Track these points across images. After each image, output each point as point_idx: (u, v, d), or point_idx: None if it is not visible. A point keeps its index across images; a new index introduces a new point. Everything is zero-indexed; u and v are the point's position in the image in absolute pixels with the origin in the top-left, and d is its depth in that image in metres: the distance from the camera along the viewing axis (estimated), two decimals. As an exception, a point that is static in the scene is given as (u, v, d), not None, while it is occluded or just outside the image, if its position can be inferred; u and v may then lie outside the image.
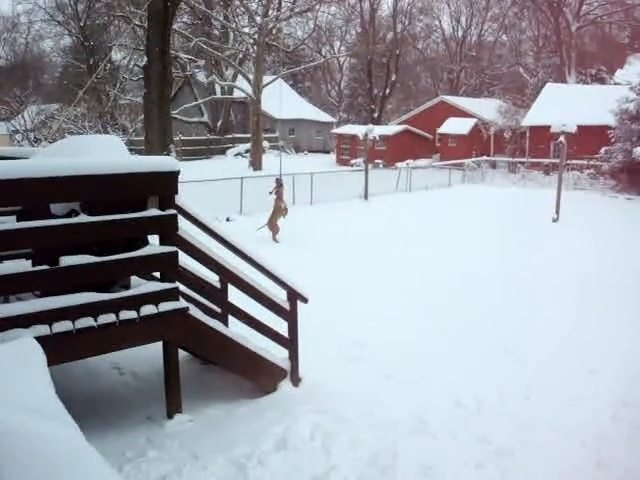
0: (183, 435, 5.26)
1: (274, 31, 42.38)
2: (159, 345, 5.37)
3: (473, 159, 36.72)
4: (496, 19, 63.19)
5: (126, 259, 4.91)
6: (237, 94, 44.86)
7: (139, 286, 5.15)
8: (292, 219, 16.32)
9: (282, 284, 6.32)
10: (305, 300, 6.48)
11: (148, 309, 4.99)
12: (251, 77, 37.98)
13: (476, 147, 41.06)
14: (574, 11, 50.14)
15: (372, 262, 13.02)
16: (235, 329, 6.08)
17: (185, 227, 5.47)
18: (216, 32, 47.06)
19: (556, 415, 6.04)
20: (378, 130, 32.93)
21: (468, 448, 5.35)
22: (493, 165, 37.77)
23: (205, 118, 49.68)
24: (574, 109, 31.48)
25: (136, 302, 4.96)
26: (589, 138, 29.01)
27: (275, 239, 15.64)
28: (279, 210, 15.95)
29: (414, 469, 4.97)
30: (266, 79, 39.22)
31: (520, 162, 35.64)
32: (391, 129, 44.44)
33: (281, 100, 25.10)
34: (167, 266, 5.22)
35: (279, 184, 16.51)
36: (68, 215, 4.83)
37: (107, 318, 4.77)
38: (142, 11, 26.08)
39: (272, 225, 15.78)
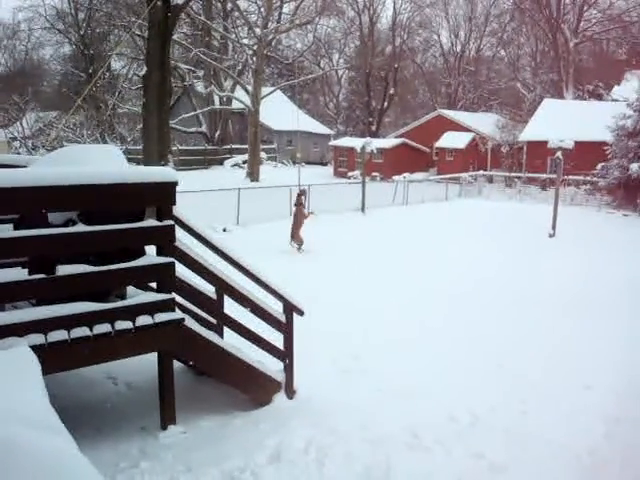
0: (177, 447, 5.23)
1: (273, 43, 42.56)
2: (154, 355, 5.36)
3: (470, 173, 36.82)
4: (494, 34, 63.62)
5: (123, 269, 4.90)
6: (235, 105, 45.00)
7: (135, 296, 5.14)
8: (289, 231, 16.34)
9: (278, 296, 6.31)
10: (301, 313, 6.47)
11: (144, 319, 4.97)
12: (250, 88, 38.10)
13: (473, 161, 41.20)
14: (572, 27, 50.41)
15: (368, 274, 13.03)
16: (230, 341, 6.07)
17: (182, 237, 5.47)
18: (215, 43, 47.25)
19: (550, 430, 6.03)
20: (376, 143, 33.01)
21: (462, 463, 5.35)
22: (490, 179, 37.86)
23: (203, 128, 49.76)
24: (571, 125, 31.59)
25: (132, 312, 4.95)
26: (586, 154, 29.07)
27: (300, 249, 15.87)
28: (300, 221, 16.14)
29: (408, 484, 4.96)
30: (265, 90, 39.34)
31: (517, 177, 35.70)
32: (388, 142, 44.60)
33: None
34: (164, 277, 5.21)
35: (301, 194, 16.74)
36: (65, 224, 4.83)
37: (103, 328, 4.75)
38: (142, 21, 26.16)
39: (296, 236, 16.00)
